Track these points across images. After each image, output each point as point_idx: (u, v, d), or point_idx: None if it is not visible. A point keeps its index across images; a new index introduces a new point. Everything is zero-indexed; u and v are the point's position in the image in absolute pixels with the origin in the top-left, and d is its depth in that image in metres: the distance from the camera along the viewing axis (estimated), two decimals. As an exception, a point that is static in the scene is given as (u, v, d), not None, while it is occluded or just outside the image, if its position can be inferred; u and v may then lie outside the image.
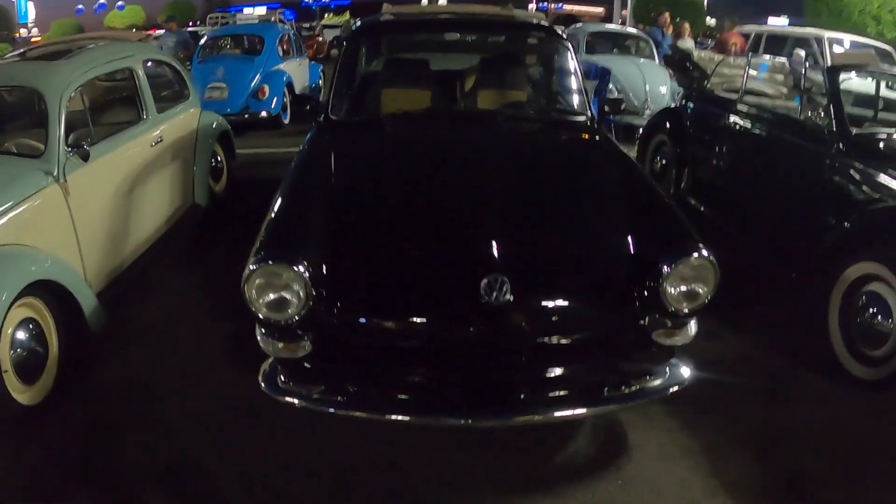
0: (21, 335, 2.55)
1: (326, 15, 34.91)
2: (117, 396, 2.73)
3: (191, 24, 11.74)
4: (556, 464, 2.37)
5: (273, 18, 10.66)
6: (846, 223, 3.18)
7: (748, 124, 4.36)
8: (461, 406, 2.08)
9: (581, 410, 2.19)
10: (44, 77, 3.01)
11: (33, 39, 22.92)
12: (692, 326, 2.28)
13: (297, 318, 2.00)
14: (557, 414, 2.14)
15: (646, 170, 5.90)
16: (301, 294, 1.98)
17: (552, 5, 19.01)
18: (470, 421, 2.05)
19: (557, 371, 2.19)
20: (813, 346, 3.07)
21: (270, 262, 2.00)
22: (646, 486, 2.25)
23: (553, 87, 3.78)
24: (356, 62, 3.86)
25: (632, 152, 6.01)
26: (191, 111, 4.49)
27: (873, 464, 2.40)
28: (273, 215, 2.33)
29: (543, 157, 3.01)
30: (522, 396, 2.15)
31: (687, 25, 8.64)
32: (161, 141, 3.82)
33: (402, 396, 2.13)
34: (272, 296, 2.00)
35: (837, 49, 7.84)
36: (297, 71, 9.18)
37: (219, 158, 4.98)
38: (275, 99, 7.85)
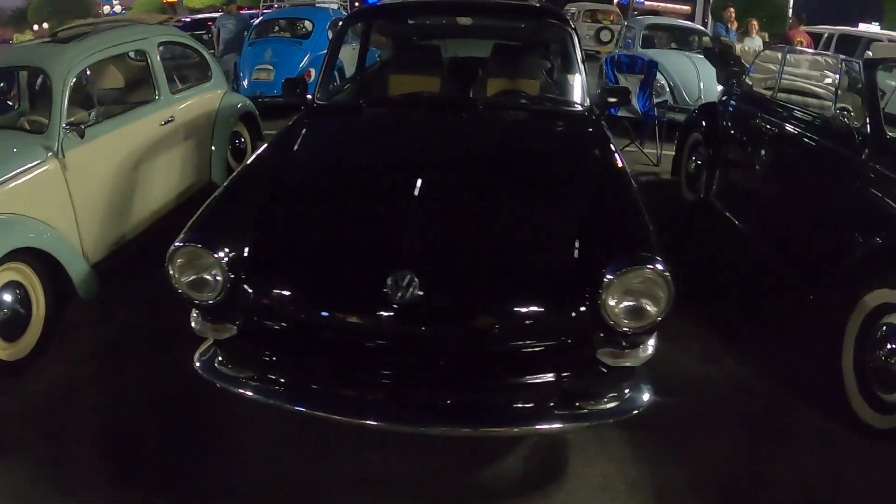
0: (6, 297, 2.78)
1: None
2: (90, 359, 2.94)
3: (260, 7, 11.98)
4: (480, 479, 2.24)
5: (335, 4, 10.84)
6: (871, 241, 2.73)
7: (778, 124, 4.00)
8: (376, 407, 2.00)
9: (507, 428, 2.04)
10: (50, 58, 3.23)
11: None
12: (647, 347, 2.06)
13: (215, 300, 2.07)
14: (482, 429, 2.02)
15: (682, 170, 5.65)
16: (219, 278, 2.03)
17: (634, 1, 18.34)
18: (379, 424, 1.97)
19: (484, 380, 2.06)
20: (821, 381, 2.75)
21: (192, 244, 2.05)
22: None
23: (551, 75, 3.63)
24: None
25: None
26: (213, 92, 4.68)
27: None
28: (217, 194, 2.39)
29: (515, 148, 2.87)
30: (443, 403, 2.02)
31: (755, 22, 8.09)
32: (172, 120, 4.01)
33: (316, 389, 2.08)
34: (193, 276, 2.06)
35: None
36: (350, 55, 9.32)
37: (242, 139, 5.16)
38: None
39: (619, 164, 2.74)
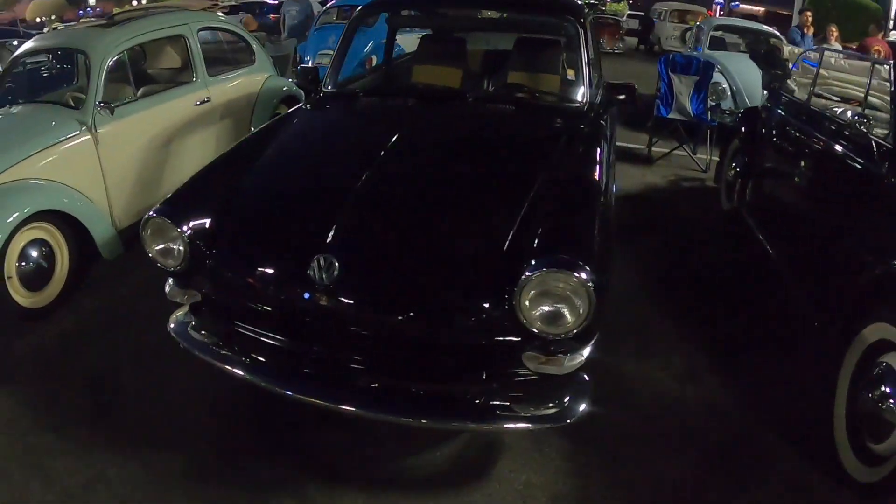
0: (33, 252, 3.16)
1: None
2: (102, 313, 3.28)
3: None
4: (402, 466, 2.26)
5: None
6: (878, 267, 2.47)
7: (806, 132, 3.75)
8: (307, 383, 2.09)
9: (423, 419, 2.03)
10: (91, 41, 3.58)
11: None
12: (576, 357, 1.98)
13: (178, 268, 2.29)
14: (399, 418, 2.02)
15: (722, 178, 5.43)
16: (181, 248, 2.24)
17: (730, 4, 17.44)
18: (306, 398, 2.05)
19: (406, 370, 2.09)
20: (808, 419, 2.54)
21: (160, 217, 2.27)
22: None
23: (555, 69, 3.54)
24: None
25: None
26: (256, 75, 4.97)
27: None
28: (199, 171, 2.59)
29: (489, 141, 2.84)
30: (369, 387, 2.07)
31: (834, 28, 7.51)
32: (208, 101, 4.32)
33: (261, 360, 2.20)
34: (161, 245, 2.29)
35: None
36: (412, 43, 9.47)
37: (284, 121, 5.45)
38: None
39: (597, 165, 2.69)
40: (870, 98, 3.35)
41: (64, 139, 3.35)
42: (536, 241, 2.03)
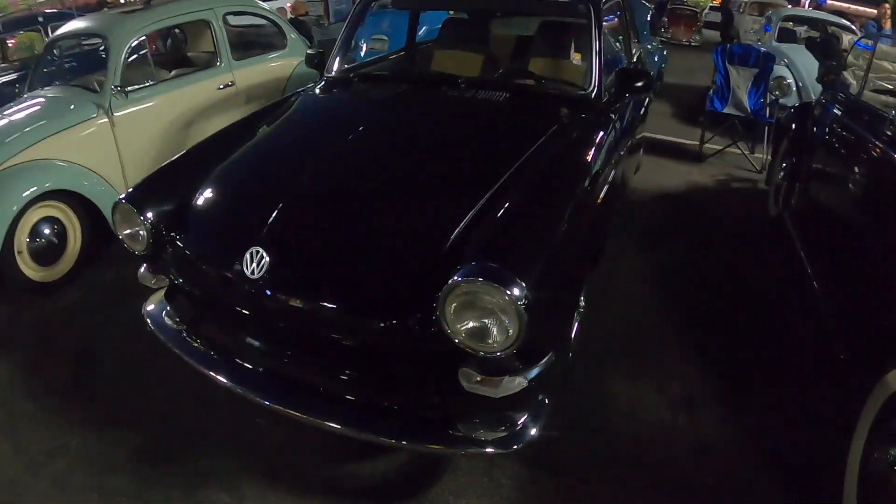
0: (45, 230, 3.33)
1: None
2: (106, 289, 3.42)
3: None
4: (336, 473, 2.20)
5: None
6: None
7: (853, 130, 3.31)
8: (245, 377, 2.08)
9: (344, 427, 1.93)
10: (112, 26, 3.71)
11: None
12: (514, 381, 1.80)
13: (143, 252, 2.32)
14: (309, 418, 1.95)
15: (772, 181, 5.00)
16: (143, 234, 2.28)
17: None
18: (239, 390, 2.04)
19: (337, 373, 2.00)
20: (816, 473, 2.18)
21: (125, 203, 2.30)
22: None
23: (561, 54, 3.29)
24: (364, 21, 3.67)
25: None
26: (286, 60, 5.01)
27: None
28: (174, 157, 2.61)
29: (468, 131, 2.66)
30: (302, 389, 2.03)
31: (887, 6, 6.78)
32: (231, 85, 4.40)
33: (210, 350, 2.21)
34: (127, 229, 2.33)
35: None
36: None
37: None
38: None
39: (588, 156, 2.51)
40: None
41: (82, 121, 3.50)
42: (476, 243, 1.86)
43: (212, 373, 2.15)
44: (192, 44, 4.89)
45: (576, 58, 3.05)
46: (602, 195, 2.56)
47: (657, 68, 8.19)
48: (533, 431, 1.89)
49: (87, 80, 3.92)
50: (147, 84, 3.81)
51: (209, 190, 2.40)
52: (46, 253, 3.34)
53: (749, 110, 6.06)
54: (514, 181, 2.18)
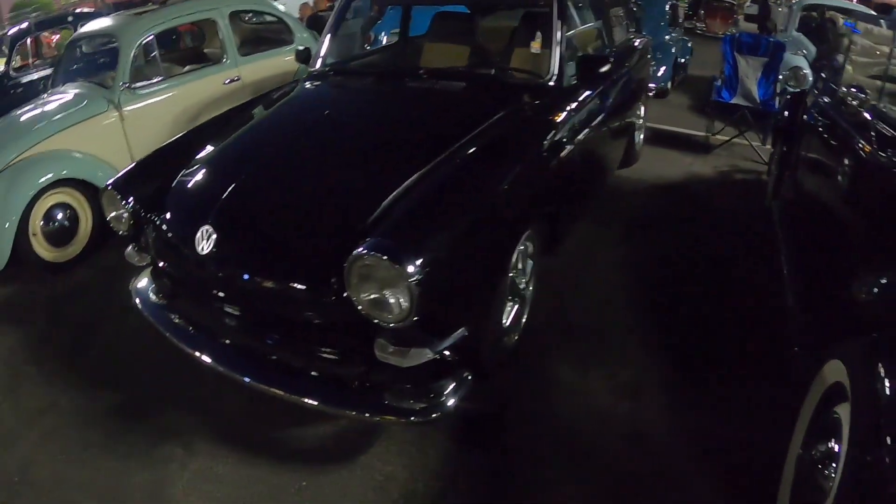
0: (59, 214, 3.66)
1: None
2: (113, 271, 3.71)
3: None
4: (283, 436, 2.37)
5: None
6: (868, 287, 2.08)
7: (833, 119, 3.23)
8: (207, 346, 2.31)
9: (288, 394, 2.10)
10: (121, 27, 4.02)
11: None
12: (421, 353, 1.92)
13: (125, 233, 2.58)
14: (243, 378, 2.15)
15: (772, 172, 4.96)
16: (125, 216, 2.54)
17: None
18: (201, 357, 2.26)
19: (276, 341, 2.19)
20: (754, 467, 2.11)
21: (109, 189, 2.57)
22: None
23: (526, 46, 3.33)
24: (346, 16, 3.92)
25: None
26: (292, 55, 5.24)
27: None
28: (160, 146, 2.86)
29: (424, 118, 2.82)
30: (248, 354, 2.24)
31: None
32: (237, 80, 4.67)
33: (186, 326, 2.44)
34: (113, 212, 2.60)
35: None
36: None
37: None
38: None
39: (525, 143, 2.62)
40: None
41: (95, 115, 3.82)
42: (388, 219, 2.01)
43: (181, 343, 2.39)
44: (208, 41, 5.18)
45: (535, 46, 3.13)
46: (548, 180, 2.70)
47: (673, 60, 8.11)
48: (450, 403, 2.00)
49: (102, 78, 4.24)
50: (155, 80, 4.11)
51: (186, 175, 2.62)
52: (59, 235, 3.67)
53: (758, 100, 6.00)
54: (447, 162, 2.33)
